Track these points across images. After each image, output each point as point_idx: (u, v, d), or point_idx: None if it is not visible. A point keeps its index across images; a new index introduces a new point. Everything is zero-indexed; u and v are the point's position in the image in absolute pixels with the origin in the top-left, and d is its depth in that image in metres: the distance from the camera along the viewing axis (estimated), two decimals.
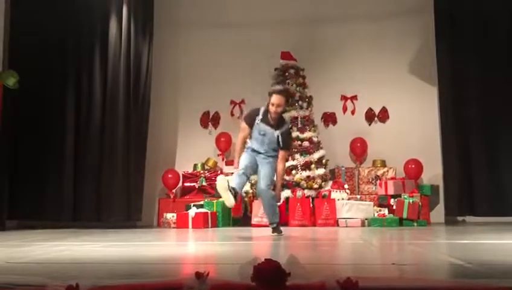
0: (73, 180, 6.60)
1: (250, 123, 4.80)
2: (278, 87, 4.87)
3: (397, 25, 7.40)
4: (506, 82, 6.51)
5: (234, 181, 4.67)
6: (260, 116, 4.76)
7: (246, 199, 6.62)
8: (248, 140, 4.91)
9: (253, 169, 4.84)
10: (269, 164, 4.78)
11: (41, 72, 6.66)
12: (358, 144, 7.26)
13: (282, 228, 4.97)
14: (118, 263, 2.77)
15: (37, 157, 6.56)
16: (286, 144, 4.84)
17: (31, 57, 6.61)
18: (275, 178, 4.88)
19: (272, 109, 4.68)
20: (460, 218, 6.81)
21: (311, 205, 6.36)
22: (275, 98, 4.67)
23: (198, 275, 1.66)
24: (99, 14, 6.90)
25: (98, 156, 6.67)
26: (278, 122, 4.75)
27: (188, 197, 7.12)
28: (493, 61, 6.58)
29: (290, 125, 4.98)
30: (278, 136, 4.72)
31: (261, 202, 5.11)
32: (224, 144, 7.45)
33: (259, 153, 4.78)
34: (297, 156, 6.69)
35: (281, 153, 4.82)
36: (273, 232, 4.85)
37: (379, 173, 6.99)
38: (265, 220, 6.19)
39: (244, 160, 4.78)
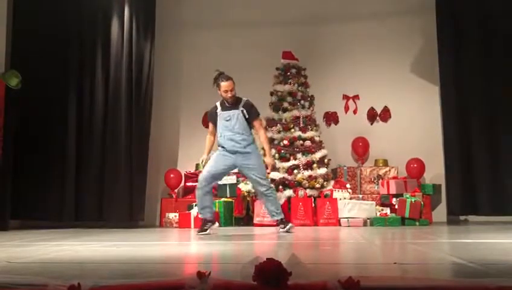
0: (76, 180, 6.61)
1: (213, 118, 5.01)
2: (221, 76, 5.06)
3: (399, 24, 7.40)
4: (509, 81, 6.49)
5: (202, 210, 4.96)
6: (219, 108, 4.99)
7: (248, 198, 6.62)
8: (218, 138, 5.01)
9: (223, 173, 5.08)
10: (252, 154, 4.90)
11: (43, 72, 6.66)
12: (360, 144, 7.25)
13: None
14: (119, 263, 2.77)
15: (40, 157, 6.57)
16: (254, 113, 5.02)
17: (33, 57, 6.62)
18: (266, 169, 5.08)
19: (227, 95, 4.92)
20: (462, 217, 6.80)
21: (313, 205, 6.36)
22: (225, 85, 4.91)
23: (200, 275, 1.66)
24: (101, 15, 6.91)
25: (101, 156, 6.68)
26: (236, 102, 4.97)
27: (190, 196, 7.12)
28: (496, 60, 6.56)
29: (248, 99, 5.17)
30: (242, 111, 4.92)
31: (264, 200, 5.13)
32: None
33: (235, 146, 4.86)
34: (299, 155, 6.68)
35: (255, 123, 5.00)
36: (283, 228, 4.94)
37: (381, 172, 6.98)
38: (266, 220, 6.21)
39: (210, 165, 4.91)
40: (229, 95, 4.91)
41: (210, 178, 4.94)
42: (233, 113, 4.91)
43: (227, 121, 4.91)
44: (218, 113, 4.97)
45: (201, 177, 5.00)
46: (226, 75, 4.97)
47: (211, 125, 5.12)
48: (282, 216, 5.07)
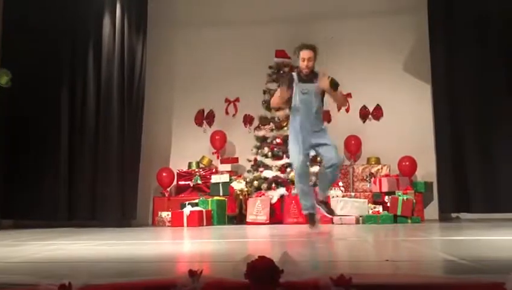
0: (68, 179, 6.58)
1: (289, 82, 4.62)
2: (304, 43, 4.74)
3: (391, 22, 7.41)
4: (500, 79, 6.53)
5: (305, 200, 4.60)
6: (296, 78, 4.66)
7: (241, 197, 6.62)
8: (292, 109, 4.62)
9: (309, 154, 4.71)
10: (325, 131, 4.64)
11: (35, 70, 6.62)
12: (353, 142, 7.26)
13: (277, 226, 4.96)
14: (111, 262, 2.76)
15: (32, 156, 6.53)
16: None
17: (24, 55, 6.57)
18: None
19: (303, 64, 4.61)
20: (454, 215, 6.83)
21: None
22: (305, 53, 4.60)
23: (192, 273, 1.66)
24: (93, 13, 6.87)
25: (93, 154, 6.65)
26: (313, 76, 4.64)
27: (182, 195, 7.11)
28: (487, 58, 6.59)
29: None
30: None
31: (326, 176, 4.62)
32: (218, 142, 7.44)
33: (309, 122, 4.55)
34: None
35: None
36: (328, 212, 4.70)
37: (373, 170, 7.00)
38: (260, 218, 6.21)
39: (298, 150, 4.51)
40: (306, 64, 4.58)
41: (306, 164, 4.59)
42: (312, 88, 4.56)
43: (304, 94, 4.55)
44: (295, 83, 4.60)
45: (297, 164, 4.50)
46: (309, 44, 4.70)
47: (283, 89, 4.59)
48: (328, 195, 4.82)
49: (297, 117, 4.61)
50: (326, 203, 4.80)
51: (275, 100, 4.86)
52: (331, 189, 4.88)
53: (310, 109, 4.58)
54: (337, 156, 4.64)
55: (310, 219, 4.61)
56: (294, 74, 4.75)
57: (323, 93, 4.64)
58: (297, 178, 4.60)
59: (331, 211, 4.80)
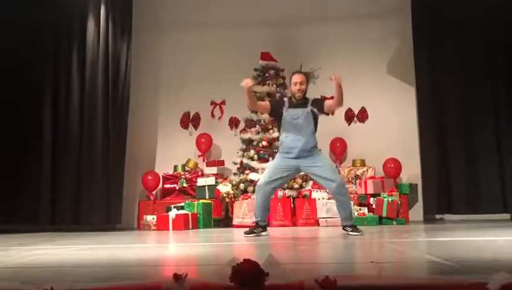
0: (52, 183, 6.50)
1: (278, 105, 4.71)
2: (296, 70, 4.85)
3: (376, 25, 7.47)
4: (484, 82, 6.62)
5: (255, 214, 4.65)
6: (287, 103, 4.69)
7: (227, 199, 6.60)
8: (281, 138, 4.66)
9: (286, 178, 4.72)
10: (317, 155, 4.60)
11: (17, 73, 6.54)
12: (338, 144, 7.30)
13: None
14: (95, 266, 2.73)
15: (14, 159, 6.44)
16: (322, 100, 4.77)
17: (6, 58, 6.49)
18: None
19: (295, 88, 4.64)
20: (438, 216, 6.91)
21: (292, 205, 6.38)
22: (296, 77, 4.67)
23: (177, 277, 1.65)
24: (77, 14, 6.82)
25: (77, 158, 6.58)
26: (304, 101, 4.67)
27: (168, 198, 7.07)
28: (471, 61, 6.69)
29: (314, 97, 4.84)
30: (311, 110, 4.62)
31: (336, 202, 4.66)
32: (204, 145, 7.43)
33: (299, 149, 4.53)
34: None
35: (327, 103, 4.74)
36: (353, 231, 4.51)
37: (359, 172, 7.05)
38: (246, 221, 6.19)
39: (272, 168, 4.61)
40: (297, 88, 4.60)
41: (266, 185, 4.58)
42: (302, 112, 4.58)
43: (294, 120, 4.57)
44: (285, 109, 4.62)
45: (259, 183, 4.67)
46: (301, 70, 4.77)
47: (268, 104, 4.81)
48: (352, 221, 4.66)
49: (286, 142, 4.62)
50: (353, 227, 4.60)
51: (247, 102, 4.80)
52: (349, 211, 4.68)
53: (300, 133, 4.58)
54: (335, 175, 4.61)
55: (255, 228, 4.66)
56: (286, 100, 4.79)
57: (315, 117, 4.67)
58: (257, 194, 4.67)
59: (359, 231, 4.53)
